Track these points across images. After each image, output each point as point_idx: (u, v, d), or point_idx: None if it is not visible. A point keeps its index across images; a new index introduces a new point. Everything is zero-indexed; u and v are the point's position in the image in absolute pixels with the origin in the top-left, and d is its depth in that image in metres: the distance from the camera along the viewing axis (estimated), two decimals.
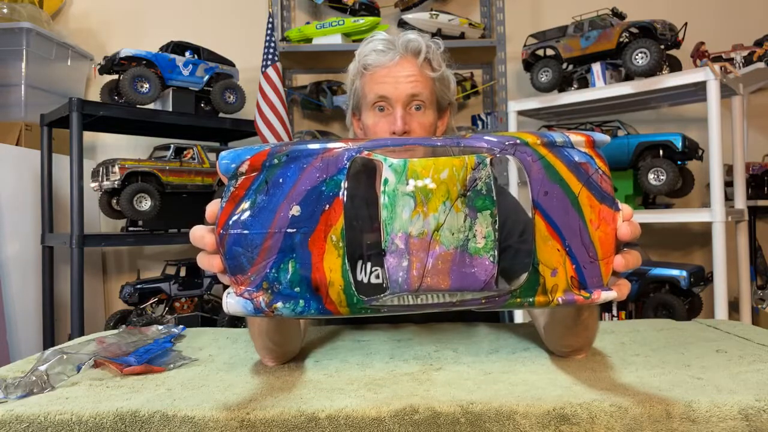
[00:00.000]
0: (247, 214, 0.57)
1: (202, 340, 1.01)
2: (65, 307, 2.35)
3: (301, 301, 0.57)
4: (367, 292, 1.02)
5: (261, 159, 0.57)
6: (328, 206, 0.56)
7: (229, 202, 0.57)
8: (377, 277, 1.04)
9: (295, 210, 0.56)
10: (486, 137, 0.58)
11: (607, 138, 0.62)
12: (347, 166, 0.56)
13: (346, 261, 0.57)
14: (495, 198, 0.56)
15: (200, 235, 0.59)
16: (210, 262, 0.59)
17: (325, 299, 0.57)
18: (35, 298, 2.30)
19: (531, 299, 0.58)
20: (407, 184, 0.56)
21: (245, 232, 0.56)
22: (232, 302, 0.57)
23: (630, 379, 0.71)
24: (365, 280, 1.04)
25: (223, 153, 0.58)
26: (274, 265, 0.57)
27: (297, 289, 0.57)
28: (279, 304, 0.57)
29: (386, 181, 0.56)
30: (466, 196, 0.56)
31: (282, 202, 0.56)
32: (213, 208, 0.59)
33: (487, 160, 0.57)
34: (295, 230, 0.56)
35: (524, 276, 0.59)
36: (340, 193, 0.56)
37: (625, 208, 0.61)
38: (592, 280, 0.59)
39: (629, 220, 0.61)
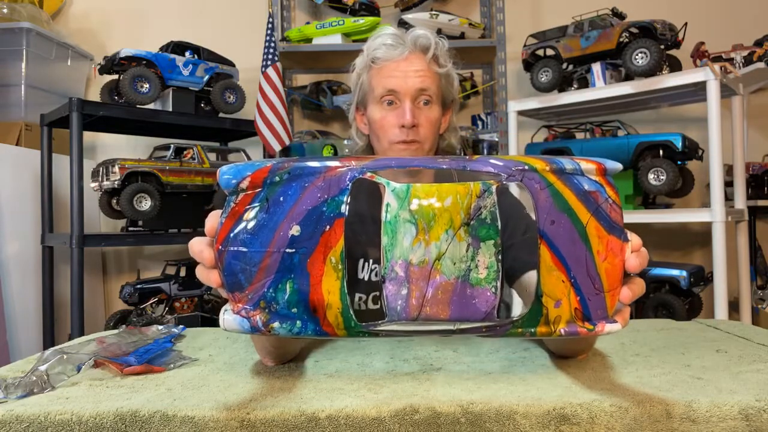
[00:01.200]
0: (246, 231, 0.55)
1: (202, 340, 1.01)
2: (65, 307, 2.35)
3: (298, 322, 0.56)
4: (366, 289, 1.02)
5: (262, 176, 0.56)
6: (328, 227, 0.55)
7: (229, 218, 0.56)
8: (376, 275, 1.04)
9: (295, 230, 0.55)
10: (492, 161, 0.56)
11: (619, 166, 0.59)
12: (349, 187, 0.55)
13: (345, 284, 0.56)
14: (499, 227, 0.55)
15: (199, 249, 0.58)
16: (208, 277, 0.58)
17: (322, 321, 0.56)
18: (35, 298, 2.30)
19: (533, 330, 0.57)
20: (411, 203, 0.54)
21: (244, 249, 0.55)
22: (229, 319, 0.57)
23: (630, 379, 0.71)
24: (366, 278, 1.04)
25: (223, 168, 0.57)
26: (272, 285, 0.56)
27: (294, 310, 0.56)
28: (276, 324, 0.56)
29: (388, 206, 0.55)
30: (469, 225, 0.54)
31: (282, 221, 0.55)
32: (213, 223, 0.57)
33: (493, 188, 0.55)
34: (294, 250, 0.55)
35: (528, 306, 0.58)
36: (341, 215, 0.55)
37: (634, 238, 0.59)
38: (596, 312, 0.57)
39: (638, 251, 0.59)
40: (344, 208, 0.55)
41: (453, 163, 0.57)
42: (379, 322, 0.56)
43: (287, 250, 0.55)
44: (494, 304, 0.55)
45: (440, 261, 0.55)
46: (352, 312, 0.56)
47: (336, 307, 0.56)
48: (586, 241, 0.56)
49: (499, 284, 0.55)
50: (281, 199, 0.56)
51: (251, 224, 0.56)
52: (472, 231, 0.55)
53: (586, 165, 0.57)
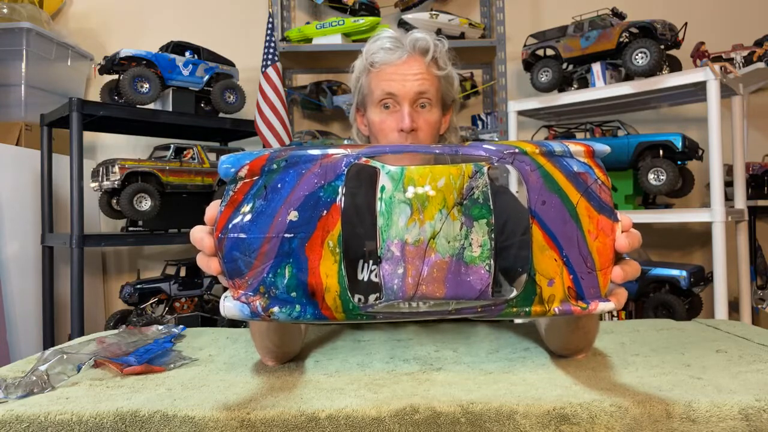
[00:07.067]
0: (245, 218, 0.57)
1: (202, 340, 1.01)
2: (65, 307, 2.35)
3: (297, 306, 0.57)
4: (367, 290, 1.02)
5: (260, 164, 0.57)
6: (325, 212, 0.56)
7: (228, 206, 0.57)
8: (376, 276, 1.04)
9: (293, 215, 0.56)
10: (485, 146, 0.58)
11: (607, 148, 0.61)
12: (345, 172, 0.56)
13: (343, 267, 0.57)
14: (492, 207, 0.56)
15: (199, 237, 0.59)
16: (208, 265, 0.59)
17: (321, 304, 0.57)
18: (35, 298, 2.30)
19: (527, 309, 0.58)
20: (406, 191, 0.55)
21: (243, 236, 0.56)
22: (229, 306, 0.57)
23: (630, 379, 0.71)
24: (365, 279, 1.04)
25: (223, 157, 0.58)
26: (271, 270, 0.56)
27: (293, 294, 0.57)
28: (275, 309, 0.57)
29: (383, 188, 0.56)
30: (462, 205, 0.56)
31: (280, 207, 0.56)
32: (212, 211, 0.58)
33: (485, 169, 0.56)
34: (292, 235, 0.56)
35: (521, 285, 0.59)
36: (338, 199, 0.56)
37: (624, 218, 0.61)
38: (589, 291, 0.59)
39: (628, 231, 0.60)
40: (340, 193, 0.56)
41: (446, 149, 0.59)
42: (376, 302, 0.57)
43: (285, 235, 0.56)
44: (488, 282, 0.56)
45: (435, 240, 0.56)
46: (349, 295, 0.57)
47: (334, 290, 0.57)
48: (577, 220, 0.58)
49: (492, 262, 0.56)
50: (279, 185, 0.57)
51: (250, 211, 0.57)
52: (465, 210, 0.56)
53: (575, 147, 0.59)
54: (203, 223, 0.60)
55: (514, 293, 0.58)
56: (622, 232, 0.60)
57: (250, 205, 0.57)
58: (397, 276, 0.56)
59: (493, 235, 0.56)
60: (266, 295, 0.57)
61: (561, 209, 0.58)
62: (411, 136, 1.04)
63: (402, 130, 1.04)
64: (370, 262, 1.04)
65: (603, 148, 0.61)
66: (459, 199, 0.56)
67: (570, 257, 0.58)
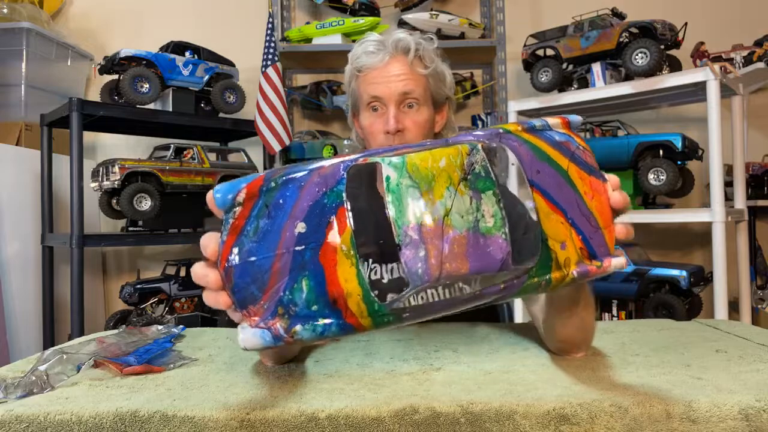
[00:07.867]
0: (251, 241, 0.55)
1: (202, 340, 1.01)
2: (65, 307, 2.35)
3: (320, 319, 0.55)
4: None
5: (257, 185, 0.55)
6: (333, 217, 0.55)
7: (230, 235, 0.55)
8: (375, 273, 1.04)
9: (301, 227, 0.55)
10: (473, 133, 0.61)
11: (579, 118, 0.66)
12: (345, 175, 0.56)
13: (361, 268, 0.56)
14: (494, 178, 0.57)
15: (202, 273, 0.56)
16: (217, 300, 0.56)
17: (344, 312, 0.55)
18: (35, 298, 2.30)
19: (548, 276, 0.59)
20: (409, 169, 0.57)
21: (252, 259, 0.54)
22: (248, 336, 0.55)
23: (630, 379, 0.71)
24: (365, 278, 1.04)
25: (216, 187, 0.56)
26: (287, 287, 0.54)
27: (314, 308, 0.55)
28: (298, 327, 0.55)
29: (388, 178, 0.56)
30: (467, 180, 0.57)
31: (286, 221, 0.55)
32: (213, 246, 0.56)
33: (479, 146, 0.58)
34: (303, 247, 0.55)
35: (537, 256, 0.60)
36: (343, 203, 0.56)
37: (611, 177, 0.64)
38: (599, 249, 0.61)
39: (618, 189, 0.64)
40: (345, 196, 0.56)
41: (437, 142, 0.60)
42: (402, 294, 0.56)
43: (296, 248, 0.55)
44: (508, 250, 0.57)
45: (449, 216, 0.56)
46: (373, 296, 0.55)
47: (356, 294, 0.56)
48: (572, 184, 0.61)
49: (507, 230, 0.57)
50: (281, 201, 0.55)
51: (255, 233, 0.55)
52: (471, 185, 0.57)
53: (553, 120, 0.63)
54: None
55: (533, 262, 0.58)
56: (613, 190, 0.63)
57: (254, 226, 0.55)
58: (419, 259, 0.55)
59: (502, 204, 0.57)
60: (286, 316, 0.55)
61: (555, 176, 0.60)
62: (398, 138, 1.05)
63: (388, 132, 1.04)
64: (370, 261, 1.04)
65: (577, 118, 0.65)
66: (463, 175, 0.57)
67: (575, 219, 0.60)
